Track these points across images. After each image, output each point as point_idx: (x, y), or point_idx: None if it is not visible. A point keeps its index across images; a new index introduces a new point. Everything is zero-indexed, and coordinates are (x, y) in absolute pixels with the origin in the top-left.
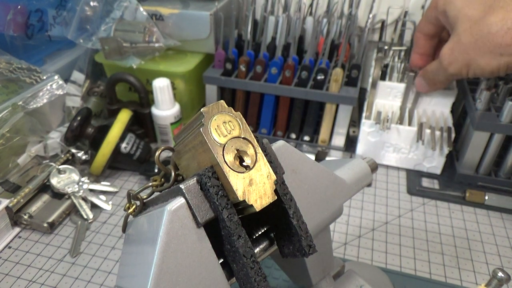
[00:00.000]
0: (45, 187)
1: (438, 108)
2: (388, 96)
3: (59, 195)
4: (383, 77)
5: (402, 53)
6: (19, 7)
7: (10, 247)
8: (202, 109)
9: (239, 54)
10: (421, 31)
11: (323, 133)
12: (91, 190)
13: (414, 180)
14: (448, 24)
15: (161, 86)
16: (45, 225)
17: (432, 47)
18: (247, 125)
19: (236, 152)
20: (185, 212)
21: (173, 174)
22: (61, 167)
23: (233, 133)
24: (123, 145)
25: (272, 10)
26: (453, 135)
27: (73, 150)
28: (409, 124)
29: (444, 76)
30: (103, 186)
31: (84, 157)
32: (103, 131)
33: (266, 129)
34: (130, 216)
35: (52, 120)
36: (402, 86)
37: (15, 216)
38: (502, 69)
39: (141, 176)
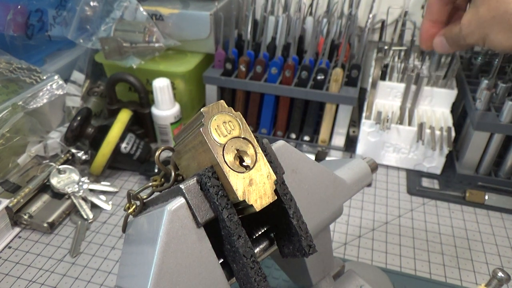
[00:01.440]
0: (45, 187)
1: (438, 108)
2: (388, 96)
3: (59, 195)
4: (383, 77)
5: (402, 53)
6: (19, 7)
7: (10, 247)
8: (202, 109)
9: (239, 54)
10: None
11: (323, 133)
12: (91, 190)
13: (414, 180)
14: None
15: (161, 86)
16: (45, 225)
17: (446, 12)
18: (247, 125)
19: (236, 152)
20: (185, 212)
21: (173, 174)
22: (61, 167)
23: (233, 133)
24: (123, 145)
25: (272, 10)
26: (453, 135)
27: (73, 150)
28: (409, 124)
29: (464, 43)
30: (103, 186)
31: (84, 157)
32: (103, 131)
33: (266, 129)
34: (130, 216)
35: (52, 120)
36: (402, 86)
37: (15, 216)
38: None
39: (141, 176)
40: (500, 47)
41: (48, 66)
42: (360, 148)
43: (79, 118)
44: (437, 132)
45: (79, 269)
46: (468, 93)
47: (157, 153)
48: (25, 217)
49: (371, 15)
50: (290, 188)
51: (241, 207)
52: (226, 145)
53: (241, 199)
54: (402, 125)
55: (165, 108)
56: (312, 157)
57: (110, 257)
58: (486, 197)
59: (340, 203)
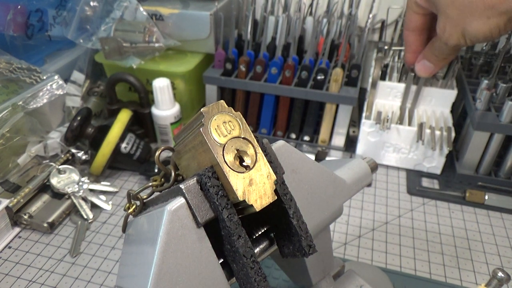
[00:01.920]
0: (45, 187)
1: (438, 108)
2: (388, 96)
3: (59, 195)
4: (383, 77)
5: (402, 53)
6: (19, 7)
7: (10, 247)
8: (202, 109)
9: (239, 54)
10: (409, 28)
11: (323, 133)
12: (91, 190)
13: (414, 180)
14: (431, 5)
15: (161, 86)
16: (45, 225)
17: (423, 42)
18: (247, 125)
19: (236, 152)
20: (185, 212)
21: (173, 174)
22: (61, 167)
23: (233, 133)
24: (123, 145)
25: (272, 10)
26: (453, 135)
27: (73, 150)
28: (409, 124)
29: (448, 50)
30: (103, 186)
31: (84, 157)
32: (103, 131)
33: (266, 129)
34: (130, 216)
35: (52, 120)
36: (402, 86)
37: (15, 216)
38: (494, 32)
39: (141, 176)
40: (481, 35)
41: (48, 66)
42: (360, 148)
43: (79, 118)
44: (437, 132)
45: (79, 269)
46: (468, 93)
47: (157, 153)
48: (25, 217)
49: (371, 15)
50: (290, 188)
51: (241, 207)
52: (226, 145)
53: (241, 199)
54: (402, 125)
55: (165, 108)
56: (312, 157)
57: (110, 257)
58: (486, 197)
59: (340, 203)
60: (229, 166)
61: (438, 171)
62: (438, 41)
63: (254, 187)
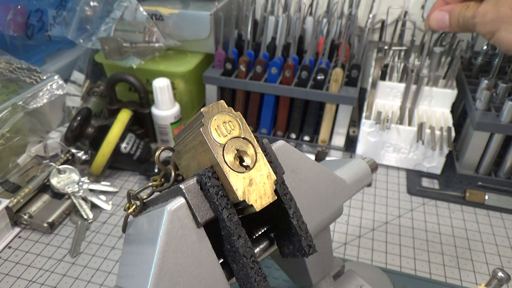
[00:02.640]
0: (45, 187)
1: (438, 108)
2: (388, 96)
3: (59, 195)
4: (383, 77)
5: (402, 53)
6: (19, 7)
7: (10, 247)
8: (202, 109)
9: (239, 54)
10: None
11: (323, 133)
12: (91, 190)
13: (414, 180)
14: None
15: (161, 86)
16: (45, 225)
17: (461, 0)
18: (247, 125)
19: (236, 152)
20: (185, 212)
21: (173, 174)
22: (61, 167)
23: (233, 133)
24: (123, 145)
25: (272, 10)
26: (453, 135)
27: (73, 150)
28: (409, 124)
29: (472, 29)
30: (103, 186)
31: (84, 157)
32: (103, 131)
33: (266, 129)
34: (130, 216)
35: (52, 120)
36: (402, 86)
37: (15, 216)
38: None
39: (141, 176)
40: (509, 45)
41: (48, 66)
42: (360, 148)
43: (79, 118)
44: (437, 132)
45: (79, 269)
46: (468, 93)
47: (157, 153)
48: (25, 217)
49: (371, 15)
50: (290, 188)
51: (241, 207)
52: (226, 145)
53: (241, 199)
54: (402, 125)
55: (165, 108)
56: (312, 157)
57: (110, 257)
58: (486, 197)
59: (340, 203)
60: (229, 166)
61: (438, 171)
62: (470, 14)
63: (254, 187)
